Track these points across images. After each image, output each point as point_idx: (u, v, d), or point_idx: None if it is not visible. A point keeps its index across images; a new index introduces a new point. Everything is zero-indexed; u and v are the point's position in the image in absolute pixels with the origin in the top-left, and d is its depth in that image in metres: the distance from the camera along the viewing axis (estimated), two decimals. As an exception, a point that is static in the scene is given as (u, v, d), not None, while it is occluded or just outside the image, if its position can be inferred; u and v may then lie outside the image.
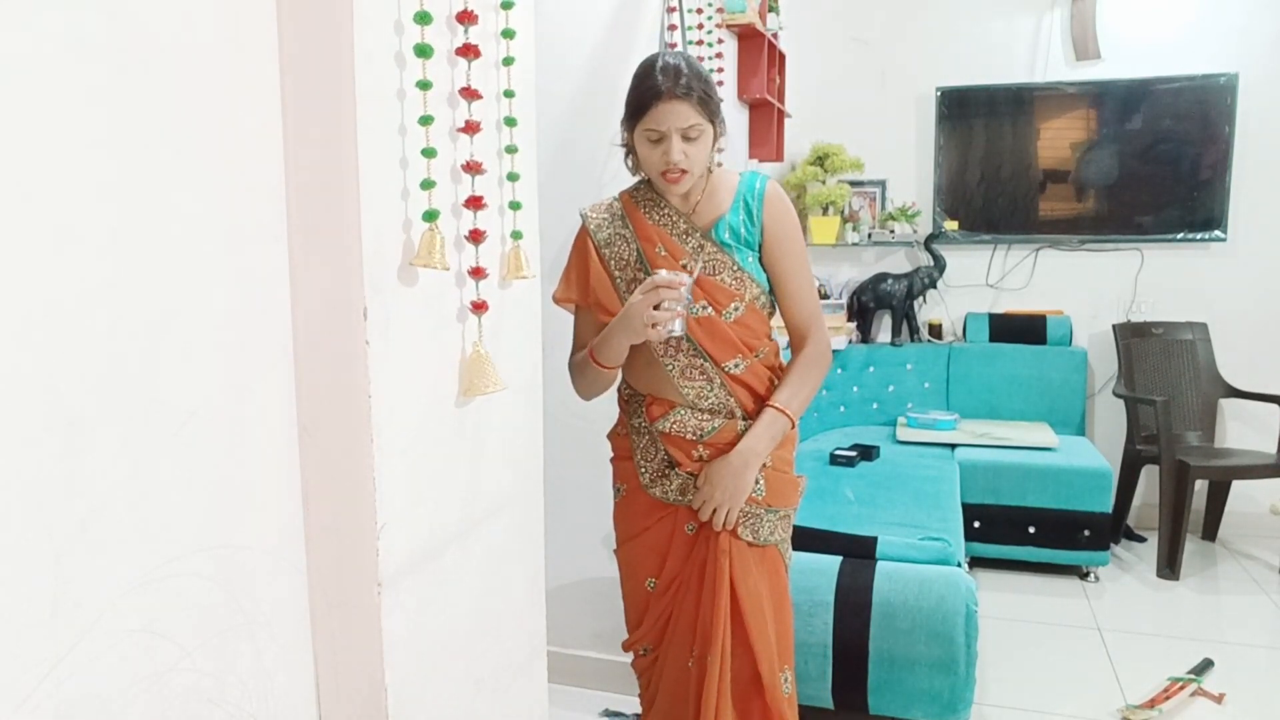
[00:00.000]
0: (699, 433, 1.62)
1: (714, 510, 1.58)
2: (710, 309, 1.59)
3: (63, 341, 0.75)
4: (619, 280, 1.63)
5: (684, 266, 1.59)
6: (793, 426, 1.62)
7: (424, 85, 1.05)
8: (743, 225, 1.62)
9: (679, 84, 1.48)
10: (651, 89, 1.49)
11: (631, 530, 1.70)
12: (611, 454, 1.75)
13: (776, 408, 1.60)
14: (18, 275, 0.72)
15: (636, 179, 1.69)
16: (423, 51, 1.04)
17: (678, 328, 1.48)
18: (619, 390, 1.74)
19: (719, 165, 1.67)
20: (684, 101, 1.48)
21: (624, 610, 1.76)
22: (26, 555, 0.73)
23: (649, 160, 1.55)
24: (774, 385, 1.68)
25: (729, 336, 1.60)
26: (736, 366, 1.61)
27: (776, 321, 1.72)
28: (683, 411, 1.62)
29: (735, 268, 1.59)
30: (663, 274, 1.48)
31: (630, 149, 1.62)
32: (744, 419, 1.63)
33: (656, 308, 1.46)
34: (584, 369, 1.66)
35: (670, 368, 1.62)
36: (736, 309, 1.60)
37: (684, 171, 1.52)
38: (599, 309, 1.64)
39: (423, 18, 1.03)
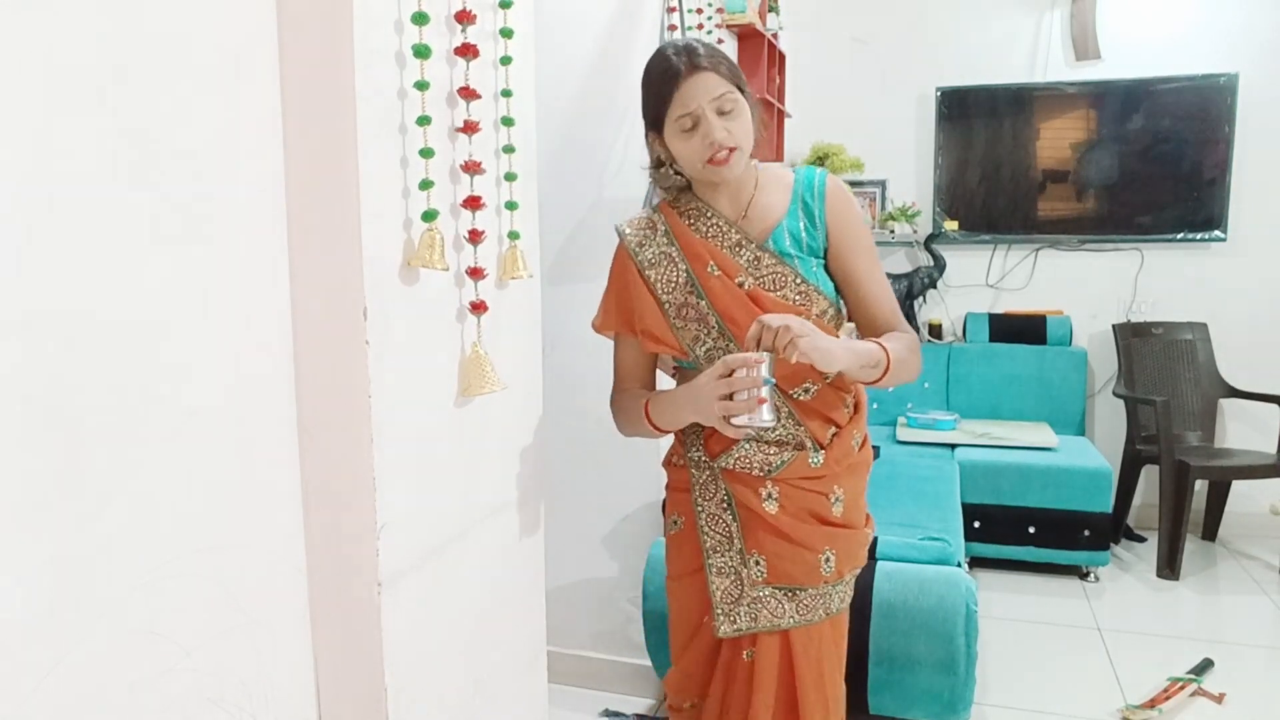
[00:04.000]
0: (766, 468, 1.42)
1: (774, 330, 1.23)
2: None
3: (63, 341, 0.75)
4: (667, 305, 1.41)
5: (715, 349, 1.38)
6: (886, 370, 1.33)
7: (422, 86, 1.05)
8: (804, 230, 1.41)
9: (697, 57, 1.31)
10: (669, 71, 1.32)
11: (685, 568, 1.52)
12: (667, 483, 1.56)
13: (878, 342, 1.35)
14: (18, 275, 0.72)
15: (670, 188, 1.47)
16: (421, 52, 1.04)
17: (766, 416, 1.25)
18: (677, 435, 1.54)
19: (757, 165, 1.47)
20: (709, 72, 1.31)
21: (669, 638, 1.58)
22: (26, 555, 0.73)
23: (689, 154, 1.34)
24: (848, 410, 1.48)
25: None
26: (806, 392, 1.41)
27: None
28: (747, 445, 1.42)
29: (800, 281, 1.38)
30: (733, 357, 1.25)
31: (661, 163, 1.42)
32: (816, 449, 1.43)
33: (730, 396, 1.25)
34: (634, 421, 1.46)
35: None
36: None
37: (732, 150, 1.32)
38: (648, 338, 1.44)
39: (420, 18, 1.04)
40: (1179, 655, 2.72)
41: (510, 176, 1.27)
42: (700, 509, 1.47)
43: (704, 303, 1.40)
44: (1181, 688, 2.48)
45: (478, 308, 1.18)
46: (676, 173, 1.42)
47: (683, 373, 1.48)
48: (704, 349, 1.40)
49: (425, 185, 1.07)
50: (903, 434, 3.75)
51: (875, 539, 2.34)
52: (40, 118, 0.73)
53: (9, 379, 0.71)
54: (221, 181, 0.92)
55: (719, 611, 1.44)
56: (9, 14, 0.71)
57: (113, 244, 0.80)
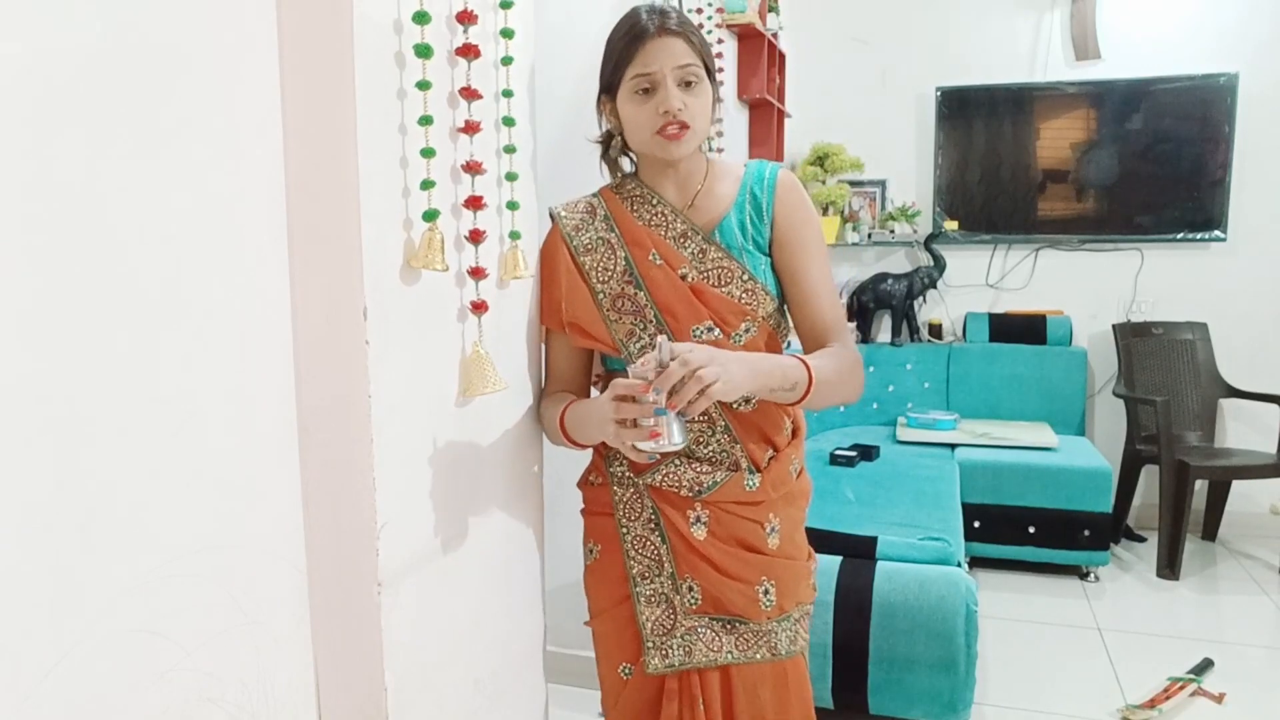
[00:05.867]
0: (696, 488, 1.31)
1: (684, 377, 1.08)
2: (717, 330, 1.28)
3: (63, 341, 0.75)
4: (602, 295, 1.31)
5: (649, 345, 1.25)
6: (806, 393, 1.21)
7: (423, 85, 1.05)
8: (750, 223, 1.32)
9: (668, 20, 1.24)
10: (636, 28, 1.24)
11: (606, 601, 1.38)
12: (582, 505, 1.44)
13: (799, 358, 1.23)
14: (18, 275, 0.72)
15: (615, 163, 1.40)
16: (423, 51, 1.04)
17: (675, 438, 1.11)
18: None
19: (719, 152, 1.45)
20: (677, 37, 1.23)
21: (600, 688, 1.44)
22: (26, 555, 0.73)
23: (638, 120, 1.25)
24: (786, 433, 1.38)
25: None
26: (746, 402, 1.31)
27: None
28: (676, 462, 1.31)
29: (747, 278, 1.29)
30: (621, 382, 1.12)
31: (609, 138, 1.35)
32: (752, 472, 1.32)
33: (625, 422, 1.13)
34: (552, 432, 1.35)
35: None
36: (748, 329, 1.30)
37: (685, 126, 1.24)
38: (576, 331, 1.33)
39: (422, 17, 1.04)
40: (1179, 655, 2.72)
41: (511, 176, 1.27)
42: (625, 530, 1.35)
43: (642, 294, 1.30)
44: (1181, 688, 2.48)
45: (479, 307, 1.18)
46: (624, 149, 1.35)
47: (610, 376, 1.37)
48: (638, 345, 1.31)
49: (427, 185, 1.07)
50: (903, 434, 3.75)
51: (875, 539, 2.34)
52: (39, 118, 0.73)
53: (9, 379, 0.71)
54: (221, 180, 0.92)
55: (649, 644, 1.32)
56: (8, 14, 0.71)
57: (112, 244, 0.80)
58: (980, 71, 4.04)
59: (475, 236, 1.17)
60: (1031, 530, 3.38)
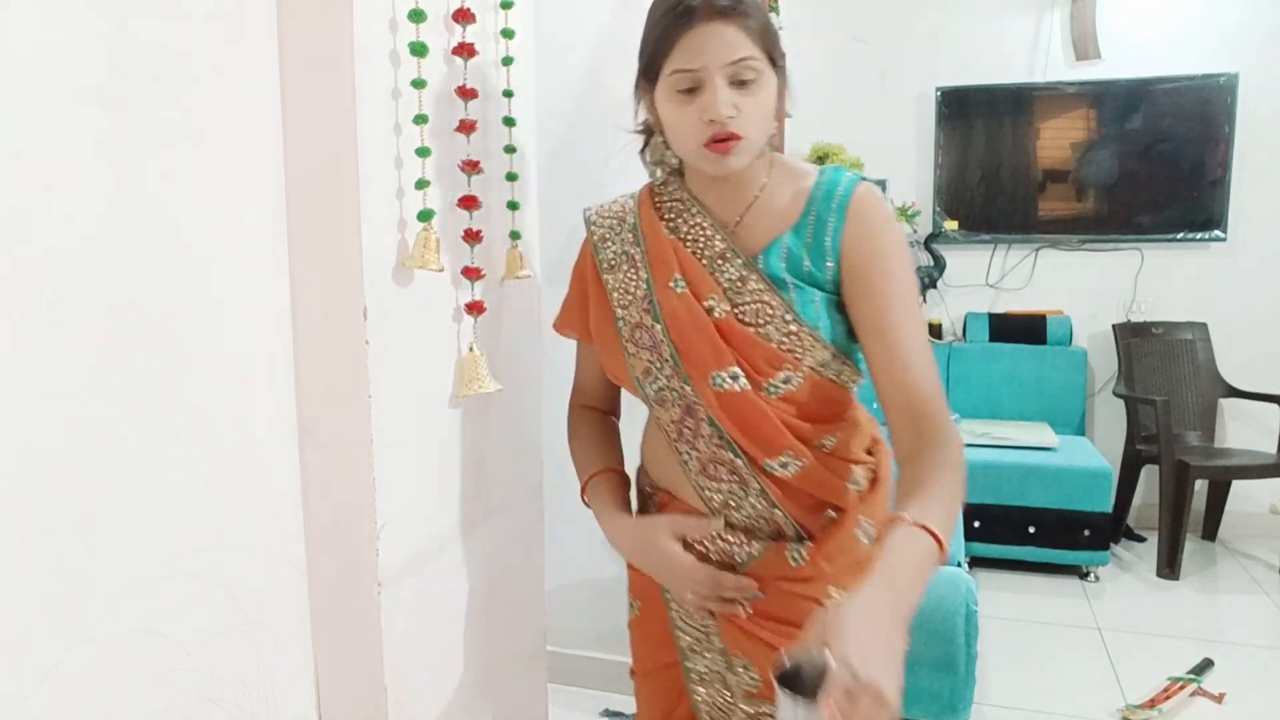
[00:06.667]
0: (727, 559, 1.11)
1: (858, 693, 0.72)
2: (744, 378, 1.04)
3: (63, 342, 0.75)
4: (622, 324, 1.11)
5: (666, 389, 1.09)
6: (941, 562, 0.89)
7: (419, 84, 1.05)
8: (808, 251, 1.04)
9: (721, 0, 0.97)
10: (681, 8, 0.98)
11: (650, 662, 1.23)
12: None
13: (926, 528, 0.86)
14: (18, 275, 0.72)
15: (661, 164, 1.16)
16: (418, 50, 1.04)
17: None
18: (638, 474, 1.25)
19: (776, 149, 1.11)
20: (730, 23, 0.96)
21: None
22: (26, 555, 0.73)
23: (679, 126, 1.01)
24: (857, 487, 1.11)
25: (769, 421, 1.04)
26: (784, 466, 1.06)
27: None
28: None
29: (789, 318, 1.03)
30: (729, 578, 1.07)
31: (649, 133, 1.12)
32: (800, 540, 1.08)
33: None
34: (576, 464, 1.24)
35: (686, 458, 1.10)
36: (788, 381, 1.04)
37: (736, 137, 0.99)
38: (604, 349, 1.17)
39: (417, 15, 1.03)
40: (1179, 655, 2.72)
41: (512, 176, 1.27)
42: (669, 595, 1.17)
43: (659, 327, 1.07)
44: (1181, 688, 2.48)
45: (474, 308, 1.18)
46: (666, 148, 1.10)
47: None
48: (655, 387, 1.10)
49: (421, 184, 1.07)
50: (903, 434, 3.74)
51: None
52: (39, 118, 0.73)
53: (9, 379, 0.71)
54: (221, 180, 0.92)
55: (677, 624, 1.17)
56: (6, 14, 0.70)
57: (112, 244, 0.80)
58: (980, 71, 4.04)
59: (473, 236, 1.17)
60: (1031, 530, 3.38)
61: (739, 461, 1.06)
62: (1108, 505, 3.33)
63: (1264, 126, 3.75)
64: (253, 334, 0.97)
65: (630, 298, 1.11)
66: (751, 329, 1.04)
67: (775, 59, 1.03)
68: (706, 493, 1.10)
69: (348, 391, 1.02)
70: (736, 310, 1.05)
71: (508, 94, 1.25)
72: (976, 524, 3.42)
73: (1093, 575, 3.38)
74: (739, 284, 1.05)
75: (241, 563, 0.96)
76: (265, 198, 0.98)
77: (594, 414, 1.29)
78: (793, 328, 1.03)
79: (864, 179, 1.06)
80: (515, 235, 1.29)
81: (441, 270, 1.09)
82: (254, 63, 0.96)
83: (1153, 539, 3.62)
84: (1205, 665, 2.64)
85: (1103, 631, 2.95)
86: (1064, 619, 3.05)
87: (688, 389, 1.06)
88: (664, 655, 1.20)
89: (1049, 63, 3.98)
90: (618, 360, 1.13)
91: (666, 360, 1.08)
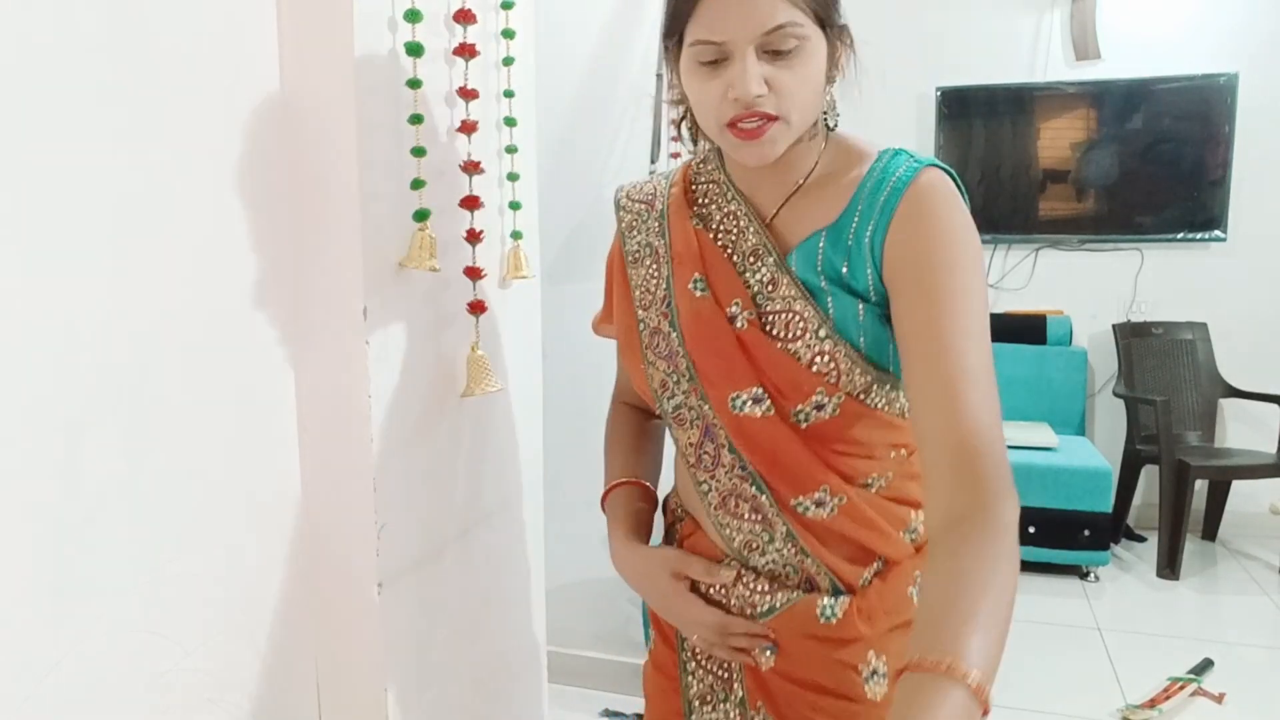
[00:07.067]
0: (749, 608, 0.93)
1: None
2: (768, 401, 0.88)
3: (63, 341, 0.75)
4: (643, 327, 0.97)
5: (684, 405, 0.95)
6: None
7: (414, 84, 1.05)
8: (847, 251, 0.85)
9: None
10: None
11: (661, 712, 1.06)
12: None
13: (965, 679, 0.62)
14: (18, 275, 0.72)
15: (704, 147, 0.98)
16: (413, 50, 1.04)
17: None
18: (669, 493, 1.10)
19: (834, 123, 0.92)
20: None
21: None
22: (26, 555, 0.73)
23: (703, 104, 0.84)
24: (912, 539, 0.93)
25: (800, 454, 0.88)
26: (819, 506, 0.89)
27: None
28: (727, 568, 0.95)
29: (823, 333, 0.86)
30: (739, 624, 0.92)
31: (685, 104, 0.90)
32: (836, 594, 0.90)
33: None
34: (606, 469, 1.10)
35: (706, 488, 0.95)
36: (821, 407, 0.87)
37: (770, 118, 0.81)
38: (626, 354, 1.03)
39: (413, 15, 1.03)
40: (1179, 655, 2.72)
41: (512, 176, 1.27)
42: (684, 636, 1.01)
43: (675, 335, 0.93)
44: (1181, 688, 2.48)
45: (476, 308, 1.18)
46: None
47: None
48: (672, 404, 0.95)
49: (417, 185, 1.07)
50: (903, 434, 3.74)
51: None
52: (39, 118, 0.73)
53: (9, 379, 0.71)
54: (221, 180, 0.92)
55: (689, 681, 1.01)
56: (8, 14, 0.70)
57: (112, 244, 0.80)
58: (980, 71, 4.04)
59: (473, 237, 1.17)
60: (1031, 530, 3.38)
61: (763, 498, 0.90)
62: (1108, 505, 3.33)
63: (1264, 126, 3.75)
64: (252, 334, 0.97)
65: (651, 297, 0.96)
66: (780, 343, 0.87)
67: (826, 19, 0.84)
68: (726, 531, 0.94)
69: (348, 391, 1.02)
70: (765, 320, 0.88)
71: (508, 94, 1.25)
72: (976, 524, 3.41)
73: (1093, 575, 3.38)
74: (769, 288, 0.88)
75: (241, 563, 0.96)
76: (265, 197, 0.98)
77: (634, 413, 1.13)
78: (827, 345, 0.85)
79: (934, 164, 0.86)
80: (516, 235, 1.29)
81: (437, 270, 1.10)
82: (254, 62, 0.96)
83: (1153, 539, 3.62)
84: (1205, 665, 2.64)
85: (1103, 631, 2.95)
86: (1064, 619, 3.05)
87: (706, 408, 0.92)
88: (674, 703, 1.02)
89: (1049, 63, 3.98)
90: (638, 369, 0.98)
91: (683, 374, 0.93)
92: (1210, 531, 3.78)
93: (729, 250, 0.92)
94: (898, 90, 4.15)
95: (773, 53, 0.80)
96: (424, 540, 1.13)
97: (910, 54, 4.12)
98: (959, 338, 0.78)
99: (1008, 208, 4.08)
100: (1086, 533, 3.32)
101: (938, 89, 4.07)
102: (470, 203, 1.15)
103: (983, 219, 4.08)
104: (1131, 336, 3.85)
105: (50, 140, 0.74)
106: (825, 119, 0.91)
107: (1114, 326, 3.88)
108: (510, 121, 1.26)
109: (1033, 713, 2.45)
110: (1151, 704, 2.42)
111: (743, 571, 0.94)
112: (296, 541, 1.05)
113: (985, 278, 0.84)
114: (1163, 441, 3.40)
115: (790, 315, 0.87)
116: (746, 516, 0.92)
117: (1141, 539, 3.77)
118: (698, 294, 0.91)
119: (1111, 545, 3.56)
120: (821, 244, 0.87)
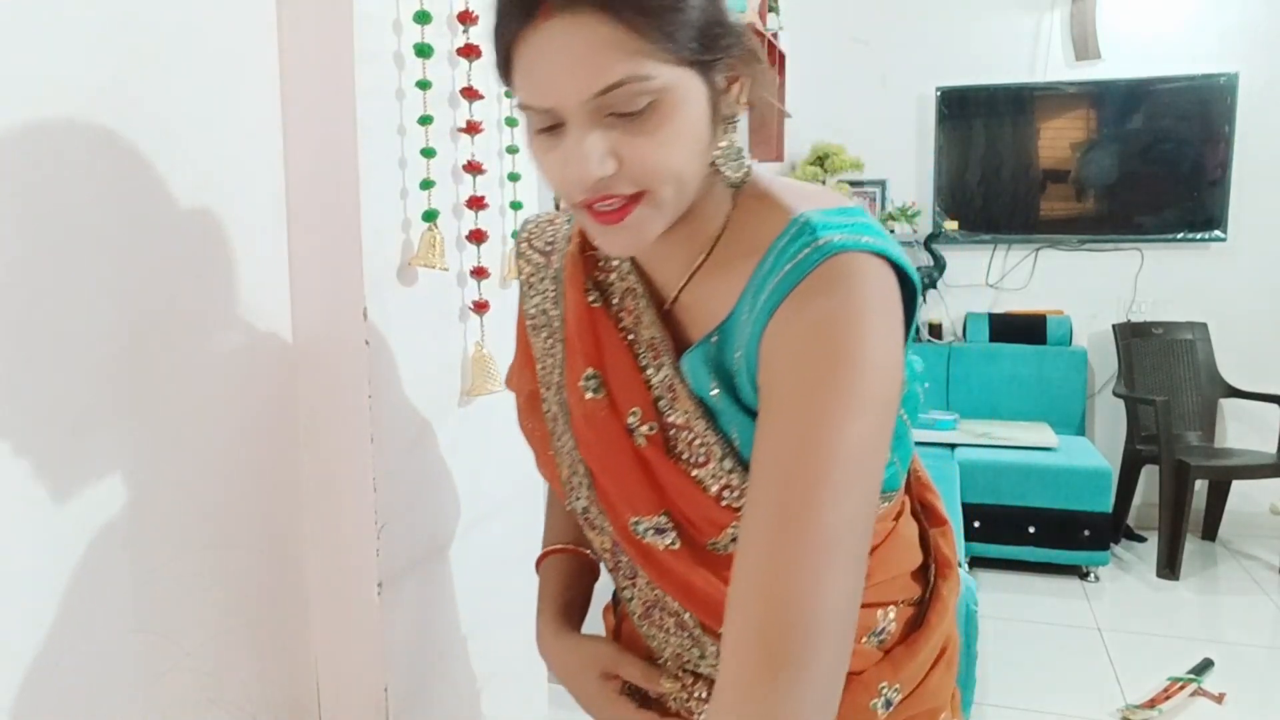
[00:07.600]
0: (689, 713, 0.79)
1: None
2: (672, 533, 0.73)
3: (64, 342, 0.75)
4: (547, 408, 0.82)
5: (590, 508, 0.79)
6: None
7: (424, 85, 1.05)
8: (739, 352, 0.67)
9: None
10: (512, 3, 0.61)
11: None
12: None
13: None
14: (18, 276, 0.72)
15: None
16: (423, 51, 1.04)
17: None
18: None
19: (741, 174, 0.68)
20: (591, 16, 0.57)
21: None
22: (27, 555, 0.73)
23: (550, 179, 0.66)
24: (875, 643, 0.76)
25: (717, 588, 0.72)
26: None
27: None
28: (673, 637, 0.80)
29: (726, 460, 0.69)
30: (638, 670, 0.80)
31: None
32: None
33: None
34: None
35: (627, 594, 0.82)
36: (737, 540, 0.62)
37: (631, 198, 0.62)
38: (530, 432, 0.89)
39: (422, 17, 1.03)
40: (1179, 655, 2.72)
41: (514, 177, 1.27)
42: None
43: (569, 438, 0.79)
44: (1181, 688, 2.48)
45: (481, 307, 1.18)
46: None
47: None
48: (579, 504, 0.81)
49: (426, 185, 1.07)
50: (903, 434, 3.74)
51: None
52: (39, 117, 0.73)
53: (9, 379, 0.71)
54: (221, 180, 0.92)
55: None
56: (9, 15, 0.70)
57: (113, 244, 0.80)
58: (980, 71, 4.04)
59: (477, 236, 1.17)
60: (1031, 530, 3.38)
61: (686, 617, 0.76)
62: (1108, 505, 3.33)
63: (1264, 126, 3.75)
64: (253, 334, 0.97)
65: (549, 379, 0.79)
66: (686, 467, 0.70)
67: (694, 56, 0.61)
68: (654, 642, 0.80)
69: (348, 391, 1.02)
70: (668, 435, 0.71)
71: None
72: (976, 524, 3.42)
73: (1093, 575, 3.38)
74: (670, 394, 0.71)
75: (241, 563, 0.96)
76: (266, 198, 0.98)
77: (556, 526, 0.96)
78: (734, 478, 0.68)
79: (857, 247, 0.62)
80: (516, 235, 1.29)
81: (446, 270, 1.10)
82: (254, 62, 0.96)
83: (1153, 539, 3.62)
84: (1205, 665, 2.64)
85: (1103, 631, 2.94)
86: (1064, 619, 3.05)
87: (607, 525, 0.77)
88: None
89: (1049, 63, 3.98)
90: (545, 454, 0.82)
91: (584, 479, 0.78)
92: (1210, 531, 3.78)
93: (630, 336, 0.73)
94: (898, 90, 4.14)
95: (618, 115, 0.60)
96: (424, 540, 1.13)
97: (910, 54, 4.11)
98: (814, 485, 0.56)
99: (1008, 208, 4.08)
100: (1086, 533, 3.32)
101: (938, 89, 4.07)
102: (475, 203, 1.15)
103: (983, 219, 4.10)
104: (1131, 336, 3.85)
105: (49, 139, 0.74)
106: (725, 171, 0.68)
107: (1114, 326, 3.88)
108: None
109: (1033, 713, 2.45)
110: (1151, 704, 2.42)
111: (681, 674, 0.79)
112: (296, 542, 1.04)
113: (888, 408, 0.61)
114: (1163, 441, 3.40)
115: (690, 434, 0.70)
116: (672, 631, 0.78)
117: (1141, 539, 3.77)
118: (589, 395, 0.73)
119: (1111, 545, 3.56)
120: (714, 347, 0.68)
